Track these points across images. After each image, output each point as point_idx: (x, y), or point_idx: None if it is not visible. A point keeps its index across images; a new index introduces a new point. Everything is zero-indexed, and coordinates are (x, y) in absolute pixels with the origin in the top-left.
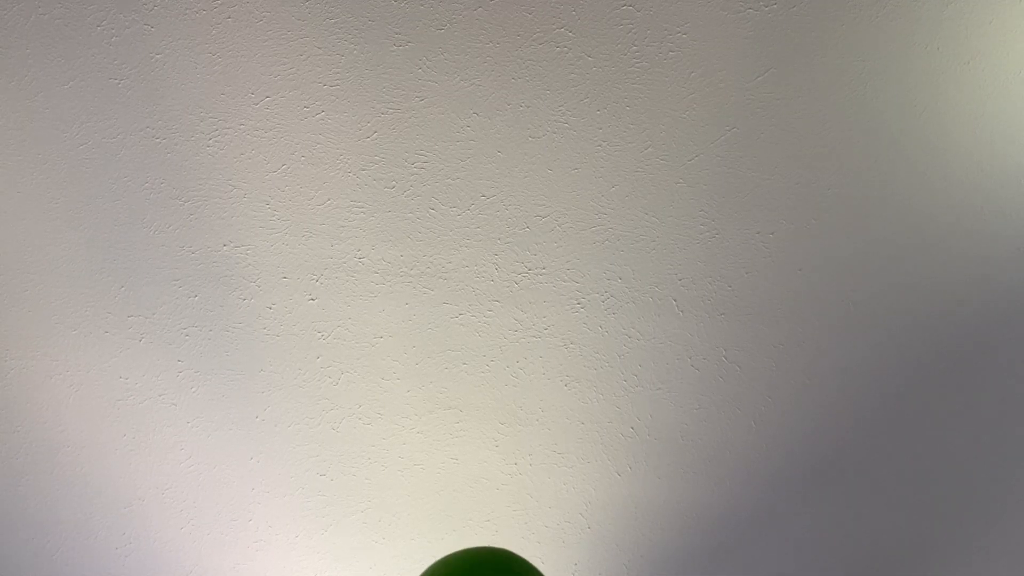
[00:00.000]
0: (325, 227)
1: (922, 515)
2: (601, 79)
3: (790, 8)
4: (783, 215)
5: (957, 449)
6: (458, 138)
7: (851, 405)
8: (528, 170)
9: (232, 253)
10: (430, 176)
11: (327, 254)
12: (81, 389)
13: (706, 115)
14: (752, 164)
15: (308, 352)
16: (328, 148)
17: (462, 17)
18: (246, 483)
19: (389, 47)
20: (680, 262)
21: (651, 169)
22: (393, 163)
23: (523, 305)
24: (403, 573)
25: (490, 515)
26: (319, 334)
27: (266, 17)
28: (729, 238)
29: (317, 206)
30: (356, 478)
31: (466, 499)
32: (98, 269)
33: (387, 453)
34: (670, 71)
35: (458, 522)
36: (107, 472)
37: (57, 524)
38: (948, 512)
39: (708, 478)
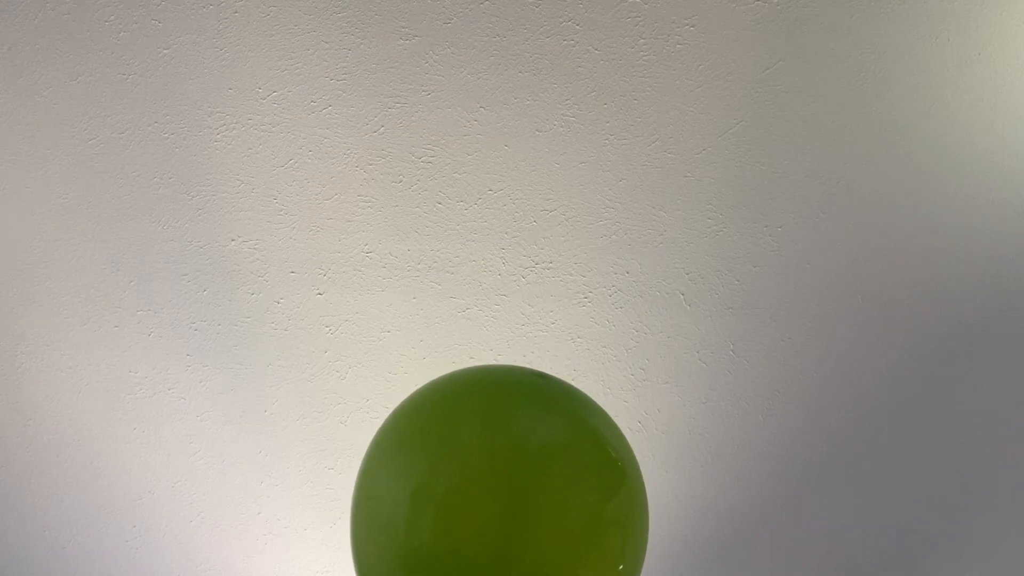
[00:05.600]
0: (332, 222)
1: (930, 509)
2: (608, 72)
3: (798, 0)
4: (791, 209)
5: (967, 444)
6: (465, 132)
7: (859, 399)
8: (535, 164)
9: (240, 248)
10: (437, 170)
11: (334, 248)
12: (91, 384)
13: (714, 108)
14: (760, 157)
15: (316, 346)
16: (335, 143)
17: (469, 11)
18: (255, 476)
19: (396, 41)
20: (688, 256)
21: (658, 163)
22: (400, 158)
23: (530, 299)
24: None
25: None
26: (327, 328)
27: (272, 12)
28: (737, 232)
29: (324, 201)
30: None
31: None
32: (107, 264)
33: None
34: (677, 64)
35: None
36: (118, 466)
37: (68, 517)
38: (957, 506)
39: (716, 472)
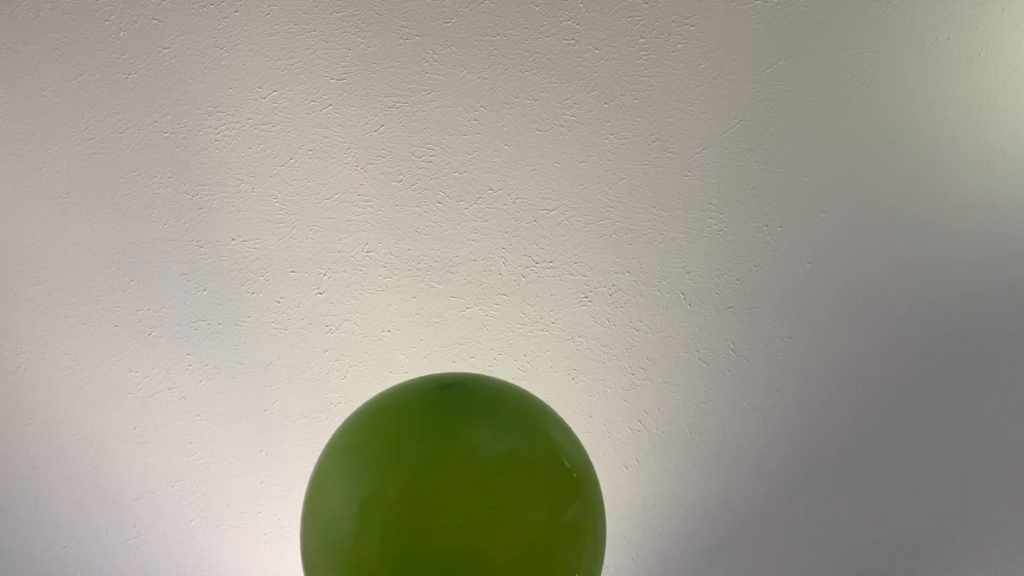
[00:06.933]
0: (332, 221)
1: (930, 509)
2: (608, 72)
3: (798, 0)
4: (791, 208)
5: (966, 443)
6: (465, 131)
7: (859, 399)
8: (535, 163)
9: (240, 247)
10: (437, 170)
11: (335, 248)
12: (92, 383)
13: (714, 108)
14: (760, 157)
15: (316, 346)
16: (335, 142)
17: (469, 10)
18: (255, 476)
19: (396, 40)
20: (688, 255)
21: (659, 162)
22: (400, 157)
23: (530, 299)
24: None
25: None
26: (327, 328)
27: (273, 11)
28: (737, 231)
29: (324, 200)
30: None
31: None
32: (107, 264)
33: None
34: (678, 63)
35: None
36: (118, 465)
37: (68, 516)
38: (957, 507)
39: (716, 471)
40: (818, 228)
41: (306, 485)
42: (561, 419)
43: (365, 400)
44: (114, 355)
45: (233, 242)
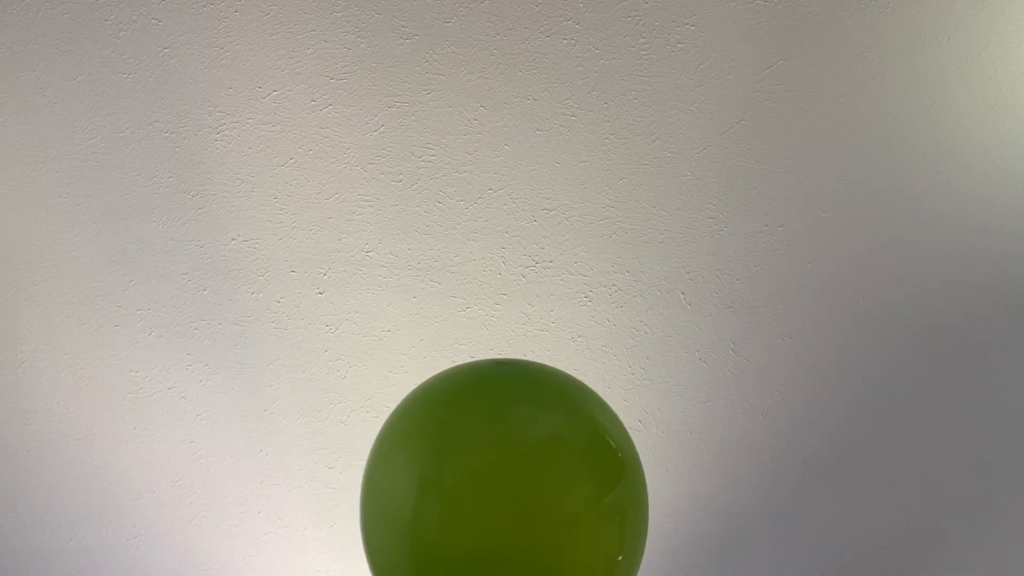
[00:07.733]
0: (332, 221)
1: (930, 508)
2: (609, 72)
3: (798, 0)
4: (792, 208)
5: (967, 441)
6: (465, 131)
7: (860, 398)
8: (535, 163)
9: (240, 247)
10: (437, 170)
11: (335, 248)
12: (92, 383)
13: (714, 107)
14: (760, 157)
15: (316, 345)
16: (335, 142)
17: (469, 10)
18: (255, 476)
19: (396, 40)
20: (688, 255)
21: (659, 162)
22: (400, 157)
23: (530, 299)
24: None
25: None
26: (327, 328)
27: (273, 11)
28: (737, 231)
29: (324, 200)
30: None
31: None
32: (107, 263)
33: None
34: (678, 63)
35: None
36: (118, 465)
37: (68, 516)
38: (957, 505)
39: (716, 471)
40: (818, 228)
41: (365, 462)
42: (605, 402)
43: (367, 399)
44: (114, 355)
45: (233, 242)
